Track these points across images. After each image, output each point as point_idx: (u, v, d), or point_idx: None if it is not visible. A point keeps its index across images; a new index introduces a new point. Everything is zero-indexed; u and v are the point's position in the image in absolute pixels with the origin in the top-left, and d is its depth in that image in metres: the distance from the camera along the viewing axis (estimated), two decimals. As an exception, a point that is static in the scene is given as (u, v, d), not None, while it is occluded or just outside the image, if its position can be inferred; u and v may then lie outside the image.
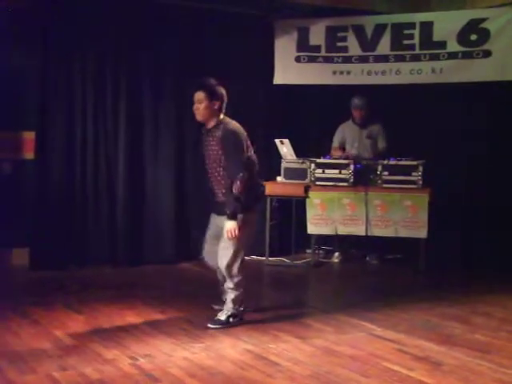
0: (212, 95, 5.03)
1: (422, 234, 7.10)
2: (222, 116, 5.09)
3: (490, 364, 4.32)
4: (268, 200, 7.41)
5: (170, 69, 7.53)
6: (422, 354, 4.52)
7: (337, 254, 7.84)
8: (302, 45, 7.93)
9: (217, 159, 5.04)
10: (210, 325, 5.06)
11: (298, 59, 7.94)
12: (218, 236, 5.11)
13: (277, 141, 7.51)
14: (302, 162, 7.51)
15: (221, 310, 5.21)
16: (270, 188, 7.08)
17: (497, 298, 6.02)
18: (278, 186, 7.53)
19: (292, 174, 7.53)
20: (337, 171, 7.37)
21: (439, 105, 7.49)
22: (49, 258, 6.93)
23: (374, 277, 7.24)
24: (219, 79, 7.45)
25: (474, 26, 7.33)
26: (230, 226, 4.91)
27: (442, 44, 7.48)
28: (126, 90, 7.33)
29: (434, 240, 7.00)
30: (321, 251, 7.95)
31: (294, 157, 7.52)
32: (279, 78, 7.93)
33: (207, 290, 6.32)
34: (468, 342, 4.79)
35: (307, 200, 7.41)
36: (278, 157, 7.58)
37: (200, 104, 5.04)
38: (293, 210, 7.72)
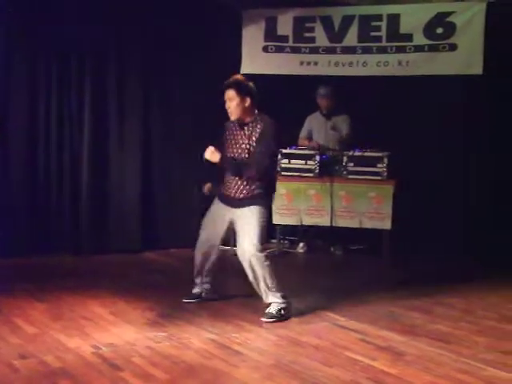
0: (242, 92, 4.99)
1: (386, 225, 7.16)
2: (256, 111, 5.06)
3: (450, 354, 4.37)
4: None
5: (135, 55, 7.44)
6: (384, 344, 4.55)
7: (301, 244, 7.86)
8: (270, 35, 7.92)
9: (250, 152, 4.99)
10: (263, 319, 4.98)
11: (265, 49, 7.93)
12: (224, 232, 5.20)
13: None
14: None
15: (191, 303, 5.25)
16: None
17: (458, 289, 6.08)
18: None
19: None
20: (303, 162, 7.39)
21: (405, 97, 7.52)
22: (10, 246, 6.82)
23: (338, 267, 7.28)
24: (185, 66, 7.53)
25: (440, 19, 7.39)
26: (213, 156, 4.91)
27: (409, 37, 7.52)
28: (90, 73, 7.22)
29: (399, 231, 7.05)
30: (285, 241, 7.97)
31: (261, 147, 7.49)
32: (246, 68, 7.89)
33: (171, 279, 6.34)
34: (430, 332, 4.83)
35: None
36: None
37: (231, 102, 5.00)
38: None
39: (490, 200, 6.85)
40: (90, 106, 7.23)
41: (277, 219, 7.47)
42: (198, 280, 5.44)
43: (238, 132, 5.09)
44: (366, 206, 7.24)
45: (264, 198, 5.09)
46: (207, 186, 5.47)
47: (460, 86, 7.12)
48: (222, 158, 4.96)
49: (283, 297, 5.06)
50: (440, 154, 7.23)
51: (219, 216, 5.22)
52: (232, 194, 5.12)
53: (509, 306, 5.58)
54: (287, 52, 7.90)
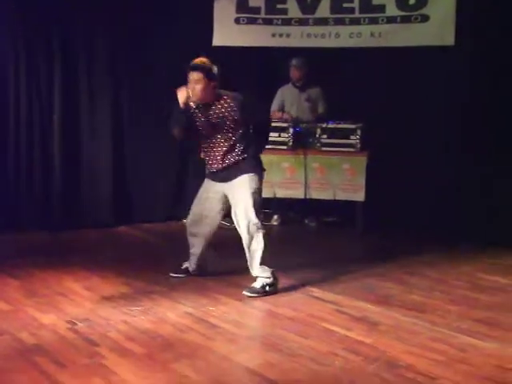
0: (209, 75, 4.95)
1: (360, 196, 7.18)
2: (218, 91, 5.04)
3: (424, 323, 4.43)
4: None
5: (105, 33, 7.33)
6: (359, 314, 4.60)
7: (275, 216, 7.87)
8: (242, 6, 7.84)
9: (227, 126, 4.99)
10: (245, 292, 4.97)
11: (237, 21, 7.86)
12: (221, 208, 5.18)
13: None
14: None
15: (180, 278, 5.27)
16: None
17: (431, 259, 6.15)
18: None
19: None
20: (276, 134, 7.36)
21: (379, 68, 7.52)
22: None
23: (312, 239, 7.31)
24: (156, 41, 7.43)
25: (412, -10, 7.39)
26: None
27: (381, 8, 7.50)
28: (60, 53, 7.10)
29: (372, 202, 7.09)
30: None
31: (234, 120, 7.46)
32: (218, 40, 7.82)
33: (145, 254, 6.32)
34: (404, 302, 4.89)
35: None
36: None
37: (197, 84, 4.94)
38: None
39: (464, 171, 6.89)
40: (60, 83, 7.12)
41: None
42: (191, 256, 5.40)
43: (205, 113, 5.05)
44: (339, 177, 7.25)
45: (251, 163, 5.06)
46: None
47: (433, 57, 7.11)
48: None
49: (272, 273, 5.04)
50: (413, 125, 7.24)
51: (211, 191, 5.21)
52: (218, 166, 5.09)
53: (480, 276, 5.66)
54: (259, 24, 7.84)
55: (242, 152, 5.06)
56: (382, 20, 7.51)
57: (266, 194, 7.39)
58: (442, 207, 6.86)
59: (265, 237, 5.05)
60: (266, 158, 7.25)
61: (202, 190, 5.27)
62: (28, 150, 7.07)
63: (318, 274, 5.59)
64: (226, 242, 6.46)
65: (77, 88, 7.27)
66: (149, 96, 7.47)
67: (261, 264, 5.03)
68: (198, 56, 5.04)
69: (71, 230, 7.06)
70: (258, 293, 4.96)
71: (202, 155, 5.24)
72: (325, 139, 7.29)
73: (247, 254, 5.08)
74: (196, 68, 4.95)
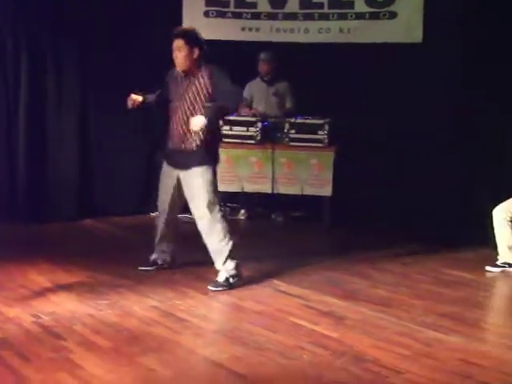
0: (192, 42, 4.91)
1: (327, 191, 7.22)
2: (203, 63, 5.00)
3: (390, 317, 4.47)
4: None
5: (72, 19, 7.24)
6: (326, 309, 4.62)
7: (243, 211, 7.87)
8: (211, 0, 7.81)
9: (199, 100, 4.93)
10: (210, 287, 4.93)
11: (206, 14, 7.82)
12: (182, 195, 5.10)
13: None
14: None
15: (149, 271, 5.25)
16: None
17: (396, 254, 6.19)
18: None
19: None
20: (244, 129, 7.36)
21: (347, 64, 7.55)
22: None
23: (279, 234, 7.32)
24: (126, 34, 7.36)
25: (381, -13, 7.43)
26: (200, 121, 4.80)
27: (350, 4, 7.54)
28: (25, 34, 7.01)
29: (340, 198, 7.12)
30: (227, 208, 7.94)
31: (202, 113, 7.44)
32: (187, 33, 7.77)
33: (112, 247, 6.28)
34: (370, 297, 4.92)
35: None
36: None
37: (179, 52, 4.91)
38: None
39: (430, 169, 6.95)
40: (26, 73, 7.02)
41: (218, 186, 7.42)
42: (157, 247, 5.38)
43: (183, 83, 5.01)
44: (307, 172, 7.28)
45: (208, 153, 5.01)
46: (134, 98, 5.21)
47: (399, 52, 7.16)
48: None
49: (235, 266, 5.01)
50: (380, 120, 7.28)
51: (167, 183, 5.19)
52: (177, 146, 5.04)
53: (445, 271, 5.72)
54: (228, 17, 7.82)
55: (202, 136, 4.96)
56: (351, 16, 7.54)
57: (233, 188, 7.45)
58: (408, 203, 6.91)
59: (225, 229, 5.00)
60: (233, 152, 7.38)
61: (161, 178, 5.25)
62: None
63: (285, 268, 5.61)
64: (193, 234, 6.45)
65: (44, 78, 7.17)
66: (117, 89, 7.37)
67: (224, 257, 4.99)
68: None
69: (35, 222, 6.96)
70: (222, 286, 4.94)
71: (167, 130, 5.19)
72: (293, 134, 7.30)
73: (209, 248, 5.04)
74: (178, 35, 4.94)
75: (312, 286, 5.14)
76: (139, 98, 5.14)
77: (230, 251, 4.99)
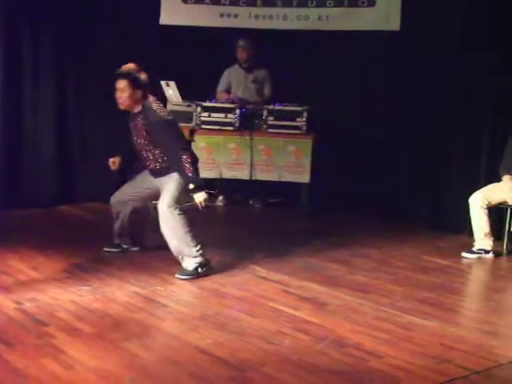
0: (135, 84, 4.96)
1: (305, 178, 7.26)
2: (148, 99, 5.04)
3: (369, 303, 4.54)
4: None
5: (49, 7, 7.17)
6: (306, 294, 4.68)
7: (221, 197, 7.88)
8: (190, -15, 7.79)
9: (147, 141, 5.04)
10: (177, 275, 4.93)
11: (185, 0, 7.79)
12: (151, 195, 5.27)
13: (162, 83, 7.37)
14: (188, 105, 7.45)
15: (111, 252, 5.35)
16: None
17: (374, 241, 6.26)
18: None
19: (178, 116, 7.26)
20: (223, 115, 7.37)
21: (325, 51, 7.58)
22: None
23: (257, 220, 7.35)
24: (104, 19, 7.32)
25: (360, -26, 7.45)
26: (201, 197, 4.90)
27: (329, -9, 7.56)
28: (4, 26, 6.92)
29: (318, 184, 7.17)
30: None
31: (180, 100, 7.43)
32: (165, 19, 7.75)
33: (90, 233, 6.27)
34: (349, 283, 4.99)
35: (192, 143, 7.35)
36: (164, 99, 7.46)
37: (122, 93, 4.96)
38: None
39: (407, 155, 7.02)
40: (2, 58, 6.94)
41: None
42: (117, 232, 5.49)
43: (133, 121, 5.12)
44: (285, 159, 7.31)
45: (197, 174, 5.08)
46: (112, 161, 5.42)
47: (378, 41, 7.20)
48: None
49: (200, 253, 4.98)
50: (359, 108, 7.32)
51: (144, 179, 5.28)
52: (150, 166, 5.18)
53: (422, 257, 5.81)
54: (207, 4, 7.80)
55: (166, 167, 5.07)
56: (330, 3, 7.55)
57: (212, 174, 7.46)
58: (386, 189, 6.97)
59: (184, 218, 4.99)
60: (212, 139, 7.40)
61: (140, 177, 5.33)
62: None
63: (264, 254, 5.65)
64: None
65: (20, 62, 7.10)
66: (95, 77, 7.35)
67: (184, 246, 4.97)
68: (128, 61, 5.03)
69: (12, 208, 6.90)
70: (190, 275, 4.92)
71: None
72: (271, 121, 7.32)
73: (169, 244, 5.03)
74: (121, 76, 4.99)
75: (291, 272, 5.19)
76: (116, 160, 5.37)
77: (194, 246, 4.99)
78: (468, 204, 5.88)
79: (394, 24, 7.23)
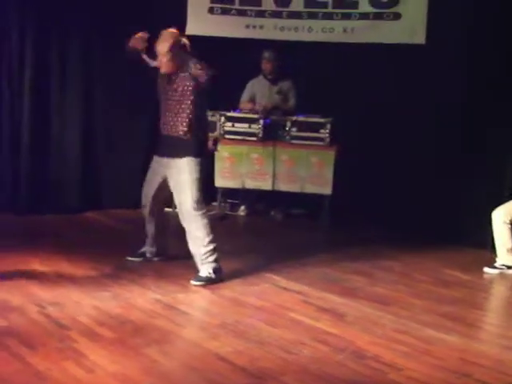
0: (176, 47, 4.98)
1: (327, 190, 7.29)
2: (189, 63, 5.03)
3: (389, 315, 4.53)
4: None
5: (77, 16, 7.27)
6: (326, 305, 4.68)
7: (243, 207, 7.92)
8: (216, -4, 7.86)
9: (185, 95, 5.02)
10: (192, 281, 4.97)
11: (211, 10, 7.87)
12: (167, 188, 5.17)
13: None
14: (212, 115, 7.50)
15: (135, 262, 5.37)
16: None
17: (396, 253, 6.24)
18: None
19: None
20: (246, 125, 7.42)
21: (350, 63, 7.60)
22: None
23: (278, 231, 7.36)
24: (130, 27, 7.37)
25: (385, -13, 7.48)
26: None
27: (354, 4, 7.58)
28: (32, 31, 7.03)
29: (340, 196, 7.18)
30: (227, 204, 8.00)
31: (204, 109, 7.48)
32: (192, 29, 7.78)
33: (114, 239, 6.33)
34: (369, 295, 4.98)
35: (216, 153, 7.42)
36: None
37: (163, 57, 4.99)
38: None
39: (431, 169, 7.00)
40: (30, 62, 7.06)
41: (219, 182, 7.51)
42: (146, 240, 5.48)
43: (168, 86, 5.10)
44: (307, 170, 7.34)
45: (195, 143, 5.07)
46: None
47: (403, 54, 7.21)
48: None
49: (215, 260, 5.05)
50: (383, 121, 7.32)
51: (153, 179, 5.26)
52: (167, 131, 5.12)
53: (444, 271, 5.78)
54: (233, 14, 7.86)
55: (188, 124, 5.04)
56: (355, 16, 7.59)
57: (234, 184, 7.51)
58: (408, 203, 6.96)
59: (207, 224, 5.04)
60: (235, 149, 7.44)
61: (150, 171, 5.30)
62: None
63: (285, 265, 5.65)
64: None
65: (47, 66, 7.21)
66: (122, 82, 7.43)
67: (204, 252, 5.02)
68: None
69: (37, 213, 7.00)
70: (203, 281, 4.97)
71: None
72: (294, 132, 7.36)
73: (189, 243, 5.08)
74: (162, 40, 5.01)
75: (311, 283, 5.19)
76: (145, 36, 5.12)
77: (211, 251, 5.04)
78: (491, 219, 5.85)
79: (419, 37, 7.24)
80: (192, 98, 5.03)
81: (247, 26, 7.86)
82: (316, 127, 7.32)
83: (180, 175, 5.05)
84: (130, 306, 4.39)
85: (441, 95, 6.91)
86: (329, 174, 7.27)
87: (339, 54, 7.60)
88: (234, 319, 4.30)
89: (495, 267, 5.81)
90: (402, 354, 3.84)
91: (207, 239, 5.02)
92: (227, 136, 7.44)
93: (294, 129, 7.36)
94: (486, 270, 5.81)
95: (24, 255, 5.41)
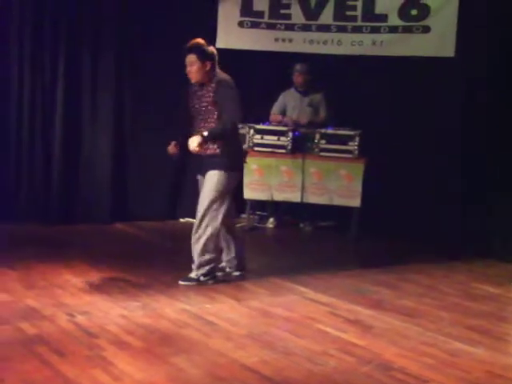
0: (203, 56, 5.08)
1: (356, 202, 7.28)
2: (217, 71, 5.17)
3: (416, 327, 4.51)
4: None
5: (109, 29, 7.40)
6: (353, 317, 4.68)
7: (271, 219, 7.95)
8: (246, 10, 7.93)
9: (211, 109, 5.11)
10: (180, 281, 5.15)
11: (241, 24, 7.95)
12: None
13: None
14: (241, 127, 7.54)
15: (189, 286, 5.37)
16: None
17: (423, 266, 6.22)
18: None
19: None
20: (275, 138, 7.46)
21: (379, 76, 7.61)
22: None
23: (307, 243, 7.40)
24: (161, 40, 7.51)
25: (415, 1, 7.49)
26: (195, 141, 4.92)
27: (384, 17, 7.60)
28: (64, 43, 7.18)
29: (368, 209, 7.17)
30: (256, 216, 8.05)
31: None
32: (222, 42, 7.89)
33: (142, 250, 6.40)
34: (396, 307, 4.97)
35: (245, 165, 7.43)
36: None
37: (192, 67, 5.08)
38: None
39: (459, 181, 6.98)
40: (63, 76, 7.19)
41: (248, 194, 7.55)
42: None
43: (199, 92, 5.20)
44: (336, 183, 7.35)
45: (224, 158, 5.12)
46: (171, 147, 5.39)
47: (433, 67, 7.22)
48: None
49: (211, 266, 5.20)
50: (412, 133, 7.32)
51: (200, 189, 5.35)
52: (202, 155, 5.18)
53: (472, 285, 5.74)
54: (263, 28, 7.93)
55: (218, 144, 5.11)
56: (384, 29, 7.61)
57: (263, 196, 7.55)
58: (437, 215, 6.94)
59: (211, 237, 5.15)
60: (264, 161, 7.48)
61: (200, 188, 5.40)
62: (29, 144, 7.14)
63: (313, 276, 5.68)
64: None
65: (80, 83, 7.34)
66: (152, 95, 7.54)
67: (202, 253, 5.16)
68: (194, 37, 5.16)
69: (67, 224, 7.12)
70: (191, 280, 5.17)
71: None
72: (323, 144, 7.38)
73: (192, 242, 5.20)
74: (190, 50, 5.11)
75: (339, 295, 5.20)
76: (172, 144, 5.34)
77: (209, 260, 5.19)
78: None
79: (448, 50, 7.23)
80: (214, 106, 5.12)
81: (276, 40, 7.92)
82: (345, 139, 7.33)
83: (205, 184, 5.15)
84: (157, 315, 4.44)
85: (471, 109, 6.89)
86: (357, 186, 7.27)
87: (368, 67, 7.62)
88: (261, 330, 4.33)
89: (525, 281, 5.77)
90: (428, 367, 3.83)
91: (204, 250, 5.16)
92: (256, 148, 7.49)
93: (322, 141, 7.38)
94: (515, 283, 5.77)
95: (55, 265, 5.51)
